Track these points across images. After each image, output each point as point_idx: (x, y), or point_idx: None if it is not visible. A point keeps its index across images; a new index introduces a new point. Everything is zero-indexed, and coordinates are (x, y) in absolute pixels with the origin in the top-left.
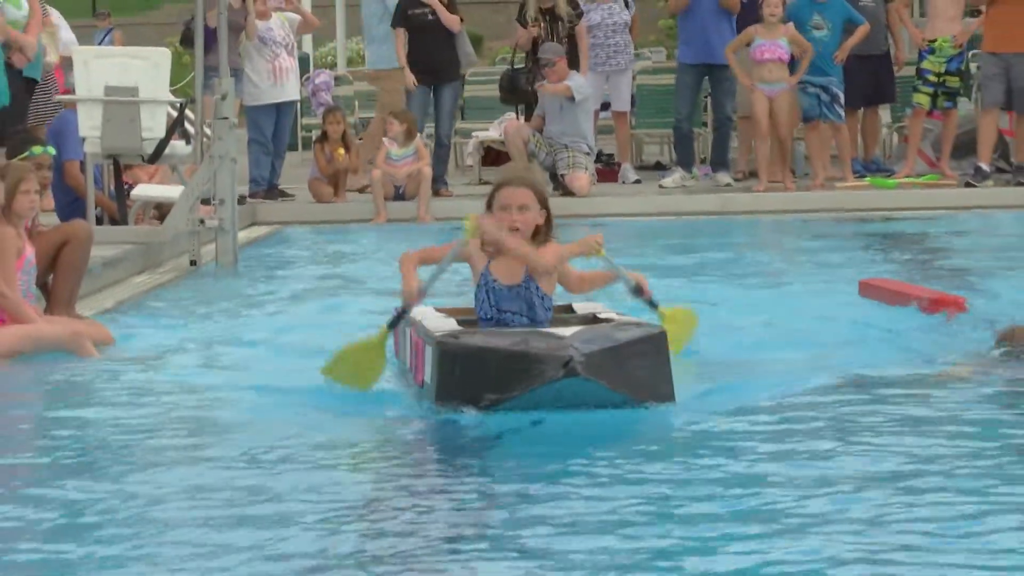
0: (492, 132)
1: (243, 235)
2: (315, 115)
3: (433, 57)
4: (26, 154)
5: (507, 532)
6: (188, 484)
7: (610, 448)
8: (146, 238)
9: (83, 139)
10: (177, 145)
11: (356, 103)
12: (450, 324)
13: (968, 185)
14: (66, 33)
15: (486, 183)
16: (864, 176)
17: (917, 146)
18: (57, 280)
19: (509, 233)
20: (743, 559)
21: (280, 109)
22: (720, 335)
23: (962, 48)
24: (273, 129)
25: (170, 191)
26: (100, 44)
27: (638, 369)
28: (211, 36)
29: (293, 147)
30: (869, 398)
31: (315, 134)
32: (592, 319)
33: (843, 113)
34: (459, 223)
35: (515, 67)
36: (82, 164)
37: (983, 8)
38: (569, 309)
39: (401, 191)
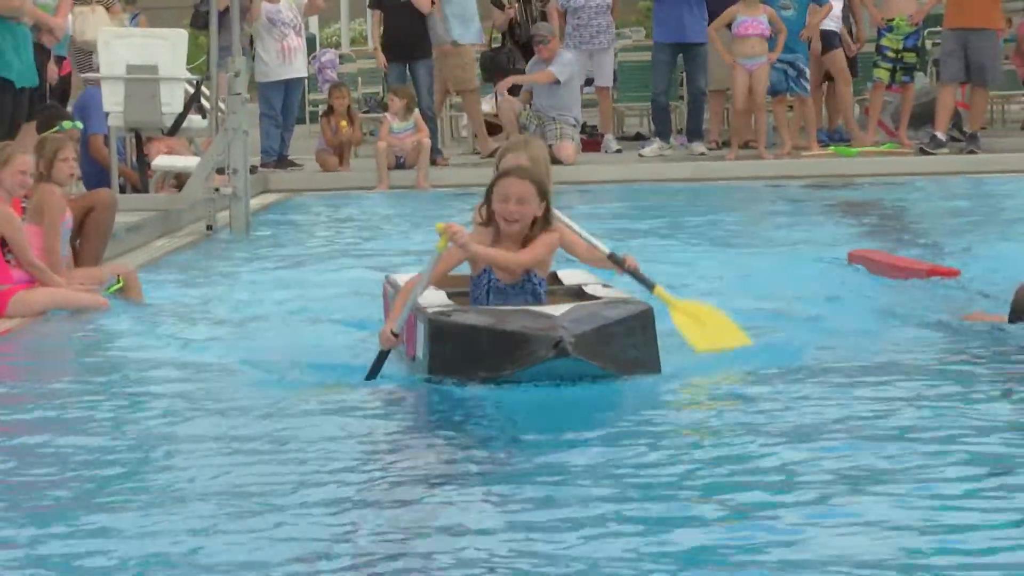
0: (485, 106)
1: (255, 202)
2: (321, 91)
3: (407, 36)
4: (56, 128)
5: (501, 504)
6: (164, 452)
7: (599, 421)
8: (166, 205)
9: (107, 114)
10: (194, 119)
11: (359, 79)
12: (441, 298)
13: (924, 153)
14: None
15: (477, 152)
16: (828, 145)
17: (877, 117)
18: (84, 244)
19: (474, 234)
20: (730, 533)
21: (289, 85)
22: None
23: (918, 26)
24: (282, 104)
25: (187, 162)
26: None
27: (626, 346)
28: (222, 17)
29: (301, 121)
30: (855, 367)
31: (321, 108)
32: (579, 292)
33: (808, 87)
34: (453, 189)
35: (493, 47)
36: (106, 137)
37: None
38: (555, 278)
39: (402, 161)
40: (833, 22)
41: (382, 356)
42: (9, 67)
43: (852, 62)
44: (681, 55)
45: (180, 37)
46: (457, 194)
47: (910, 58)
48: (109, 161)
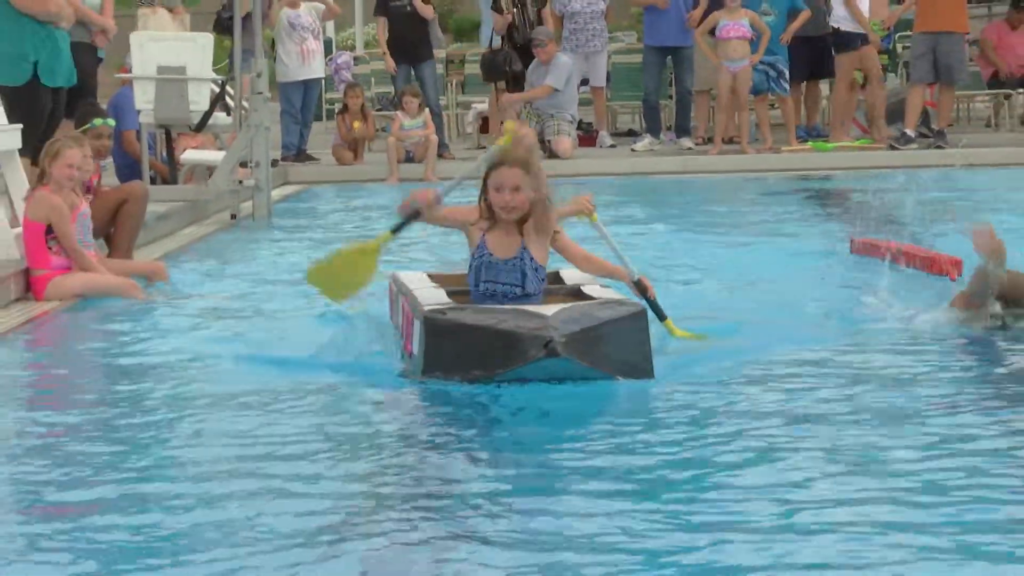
0: (486, 104)
1: (276, 193)
2: (337, 90)
3: (411, 41)
4: (88, 125)
5: (496, 507)
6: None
7: (593, 423)
8: (193, 196)
9: (139, 111)
10: (219, 116)
11: (372, 80)
12: (440, 296)
13: (894, 148)
14: None
15: (483, 148)
16: (806, 140)
17: (852, 115)
18: (118, 232)
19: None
20: (726, 537)
21: (307, 85)
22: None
23: (889, 31)
24: (301, 102)
25: (213, 156)
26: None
27: (618, 347)
28: (245, 22)
29: (318, 118)
30: (843, 363)
31: (337, 107)
32: (578, 292)
33: (788, 87)
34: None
35: (492, 49)
36: (138, 133)
37: None
38: (557, 277)
39: (411, 155)
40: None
41: (414, 216)
42: (46, 69)
43: (829, 63)
44: (670, 57)
45: (207, 40)
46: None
47: (882, 60)
48: (141, 155)
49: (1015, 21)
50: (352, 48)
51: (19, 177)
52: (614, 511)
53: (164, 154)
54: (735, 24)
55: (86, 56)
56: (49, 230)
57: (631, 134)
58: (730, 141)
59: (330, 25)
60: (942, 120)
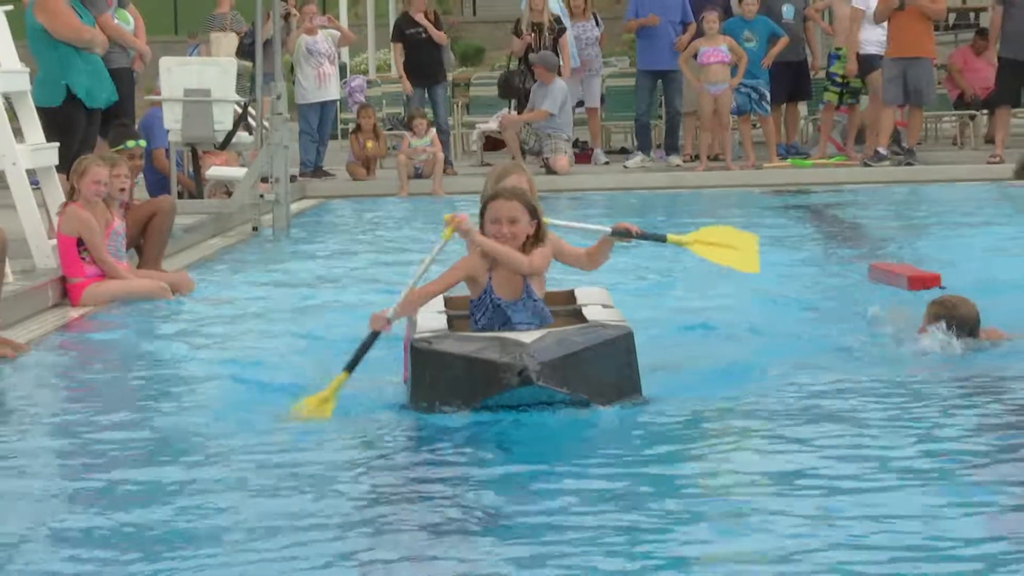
0: (491, 124)
1: (294, 206)
2: (351, 111)
3: (425, 65)
4: (120, 146)
5: (488, 532)
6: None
7: (581, 448)
8: (218, 209)
9: (167, 131)
10: (242, 135)
11: (384, 101)
12: (437, 324)
13: (867, 165)
14: None
15: (487, 164)
16: (786, 158)
17: (828, 134)
18: (147, 243)
19: (471, 257)
20: (718, 552)
21: (324, 106)
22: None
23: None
24: (318, 122)
25: (237, 172)
26: (190, 55)
27: (600, 372)
28: (266, 48)
29: (334, 137)
30: (830, 380)
31: (351, 126)
32: (577, 313)
33: (769, 108)
34: (461, 197)
35: (510, 69)
36: (167, 151)
37: (885, 24)
38: (571, 295)
39: (419, 171)
40: (874, 47)
41: (370, 340)
42: (86, 91)
43: (807, 86)
44: (660, 80)
45: (230, 64)
46: (466, 199)
47: (856, 83)
48: (169, 171)
49: (979, 47)
50: (365, 72)
51: (56, 192)
52: (606, 532)
53: (191, 170)
54: (714, 50)
55: (125, 80)
56: (80, 242)
57: (624, 152)
58: (715, 158)
59: (345, 51)
60: (911, 139)
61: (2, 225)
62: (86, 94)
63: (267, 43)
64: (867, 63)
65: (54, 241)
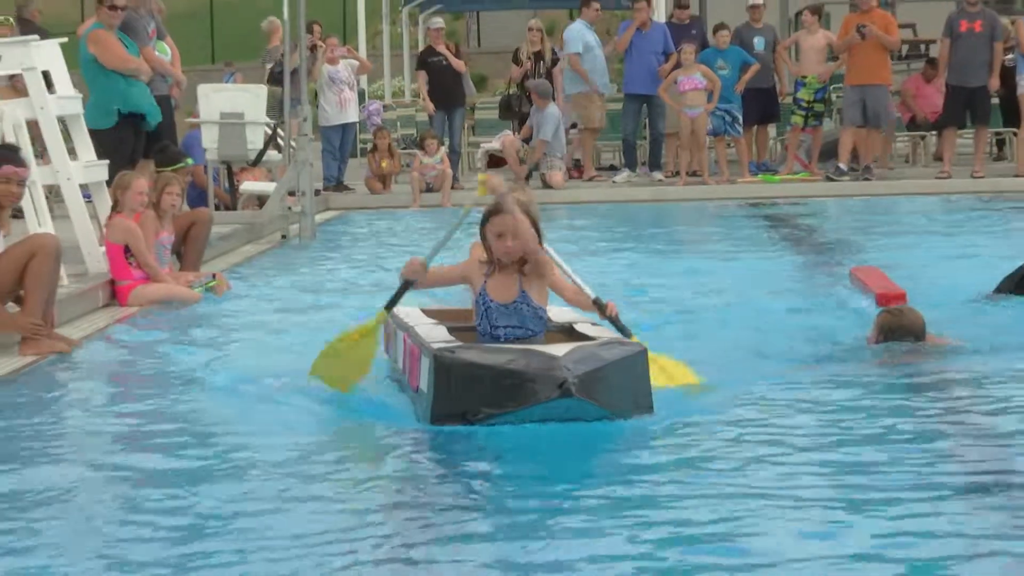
0: (494, 144)
1: (319, 217)
2: (369, 132)
3: (447, 91)
4: (182, 164)
5: (501, 543)
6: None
7: (598, 459)
8: (251, 219)
9: (205, 150)
10: (272, 154)
11: (398, 124)
12: (443, 333)
13: (830, 180)
14: None
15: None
16: (757, 174)
17: (794, 152)
18: (187, 249)
19: (474, 268)
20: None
21: (344, 128)
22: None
23: (825, 83)
24: (339, 142)
25: (267, 186)
26: (226, 82)
27: (622, 386)
28: (293, 76)
29: (353, 155)
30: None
31: (369, 146)
32: (570, 330)
33: (741, 129)
34: (460, 212)
35: (509, 94)
36: (205, 168)
37: (843, 54)
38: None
39: (431, 185)
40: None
41: (405, 286)
42: (140, 113)
43: (775, 110)
44: (644, 104)
45: (261, 91)
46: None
47: (819, 107)
48: (207, 186)
49: (929, 75)
50: (381, 97)
51: (106, 205)
52: (615, 542)
53: (226, 185)
54: (690, 78)
55: (165, 106)
56: (127, 248)
57: (612, 168)
58: (694, 174)
59: (363, 78)
60: (868, 157)
61: (58, 234)
62: (138, 116)
63: (294, 72)
64: None
65: (104, 247)
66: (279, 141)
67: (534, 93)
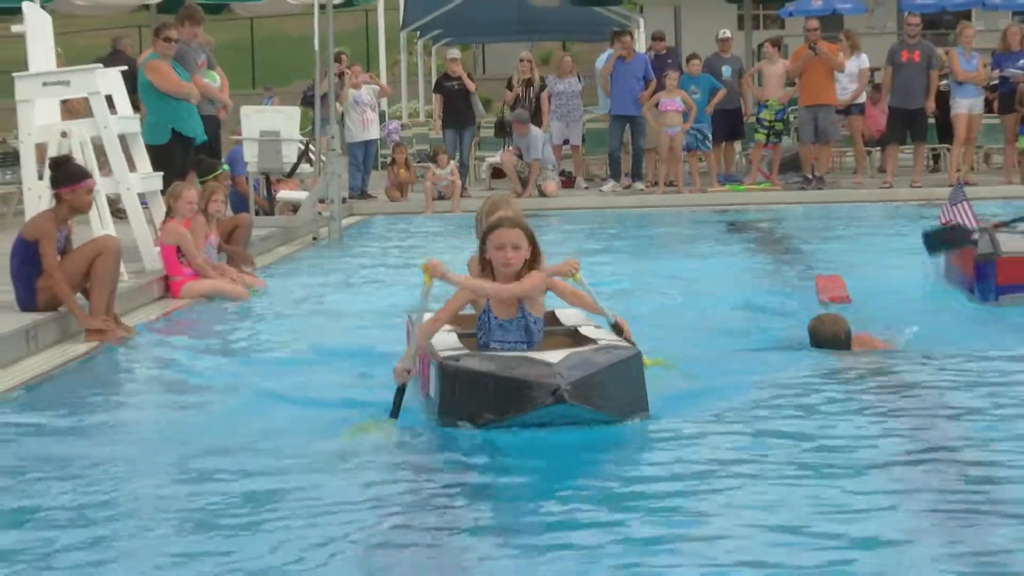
0: (496, 158)
1: (345, 221)
2: (389, 148)
3: (458, 112)
4: (219, 171)
5: (502, 543)
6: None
7: (597, 460)
8: (286, 224)
9: (247, 163)
10: (304, 167)
11: (413, 140)
12: (453, 341)
13: (788, 189)
14: None
15: (493, 188)
16: (725, 184)
17: (757, 165)
18: (231, 250)
19: (457, 275)
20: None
21: (367, 144)
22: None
23: (784, 105)
24: (363, 156)
25: (300, 195)
26: (265, 104)
27: (617, 390)
28: (323, 99)
29: (375, 167)
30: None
31: (388, 159)
32: (574, 334)
33: (711, 145)
34: (473, 214)
35: (503, 115)
36: (246, 178)
37: (797, 79)
38: (553, 318)
39: (442, 194)
40: (860, 93)
41: (400, 392)
42: (191, 129)
43: (741, 128)
44: (628, 124)
45: (295, 111)
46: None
47: (779, 126)
48: (248, 194)
49: (874, 99)
50: (399, 118)
51: (160, 211)
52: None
53: (265, 193)
54: (671, 101)
55: (212, 125)
56: (179, 249)
57: (599, 179)
58: (671, 184)
59: (383, 101)
60: (821, 169)
61: (119, 236)
62: (188, 134)
63: (324, 95)
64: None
65: (159, 248)
66: (311, 155)
67: (515, 123)
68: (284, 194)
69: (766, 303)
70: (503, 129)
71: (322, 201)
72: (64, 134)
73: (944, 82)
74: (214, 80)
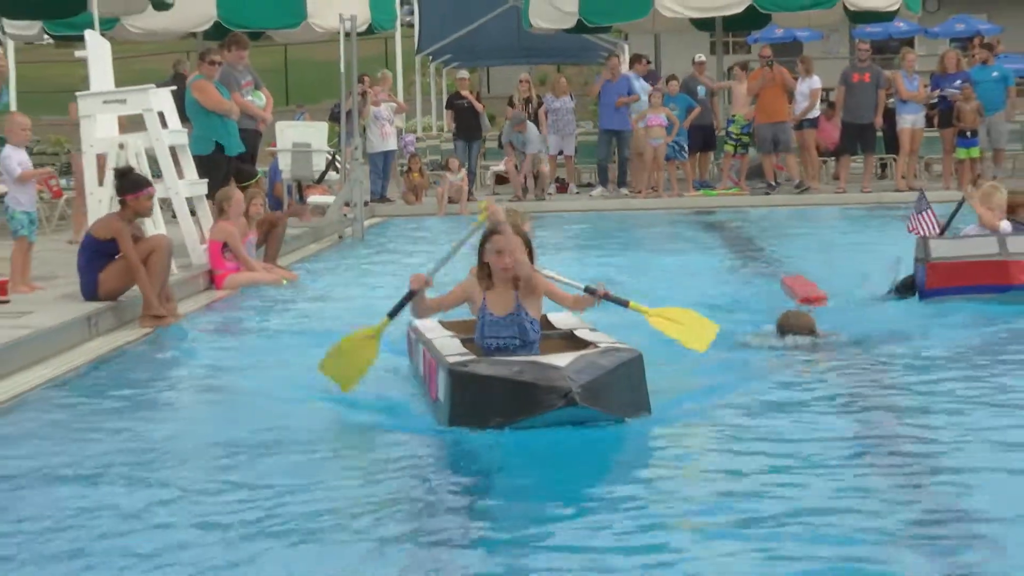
0: (500, 167)
1: (367, 222)
2: (405, 158)
3: (467, 126)
4: (256, 177)
5: (511, 545)
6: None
7: (602, 460)
8: (315, 224)
9: (282, 171)
10: (331, 174)
11: (427, 151)
12: (458, 346)
13: (754, 194)
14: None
15: (496, 194)
16: (699, 189)
17: (727, 173)
18: (268, 246)
19: (470, 284)
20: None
21: (386, 155)
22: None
23: (750, 120)
24: (382, 165)
25: (328, 199)
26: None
27: (622, 391)
28: (348, 115)
29: (393, 175)
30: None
31: (405, 168)
32: (571, 336)
33: (687, 156)
34: (475, 218)
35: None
36: (282, 184)
37: (754, 98)
38: (546, 321)
39: (452, 198)
40: (812, 110)
41: (409, 296)
42: (230, 143)
43: (713, 141)
44: (615, 137)
45: (323, 126)
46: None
47: (746, 139)
48: (283, 198)
49: (829, 115)
50: (415, 131)
51: (206, 213)
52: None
53: (298, 197)
54: (656, 116)
55: (252, 137)
56: (225, 245)
57: (589, 185)
58: (652, 190)
59: (401, 117)
60: (796, 175)
61: (169, 235)
62: (229, 146)
63: (348, 112)
64: (806, 124)
65: (204, 245)
66: (337, 164)
67: (514, 123)
68: (314, 198)
69: (734, 292)
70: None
71: (347, 204)
72: (121, 146)
73: (891, 100)
74: (260, 99)
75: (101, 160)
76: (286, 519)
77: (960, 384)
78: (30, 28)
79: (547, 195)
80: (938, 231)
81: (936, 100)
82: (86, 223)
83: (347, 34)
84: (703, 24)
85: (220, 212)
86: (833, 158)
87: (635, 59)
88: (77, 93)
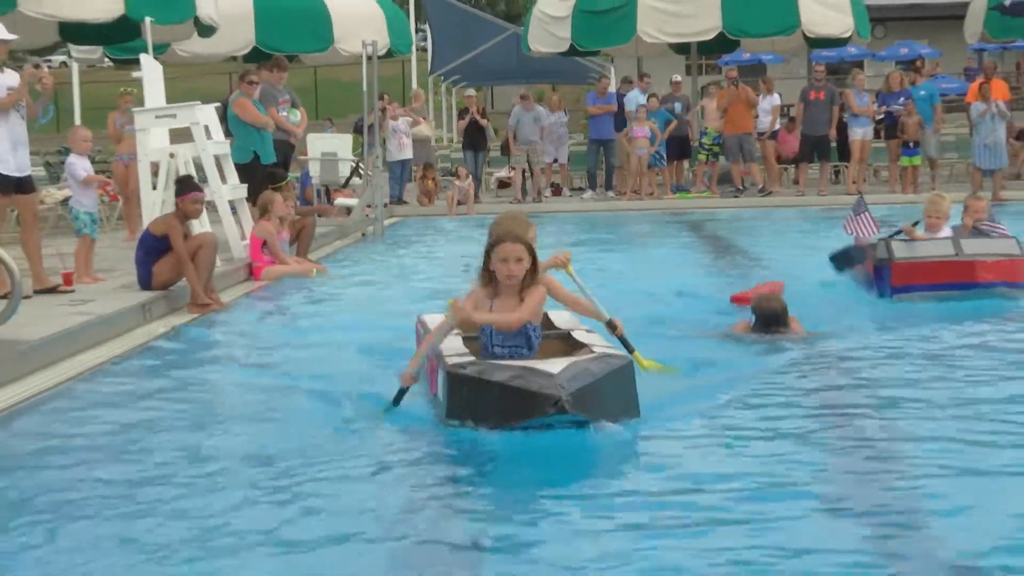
0: (502, 173)
1: (386, 222)
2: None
3: (474, 138)
4: (286, 180)
5: (501, 541)
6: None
7: (592, 460)
8: (341, 223)
9: (311, 177)
10: (355, 180)
11: (438, 159)
12: (459, 346)
13: (724, 197)
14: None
15: (499, 197)
16: (676, 193)
17: (701, 178)
18: (299, 243)
19: (476, 292)
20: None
21: (403, 163)
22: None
23: (720, 132)
24: (400, 171)
25: (352, 201)
26: (326, 132)
27: (612, 396)
28: (370, 128)
29: (409, 180)
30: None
31: (419, 174)
32: (568, 337)
33: (665, 163)
34: (484, 216)
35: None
36: (313, 189)
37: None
38: (547, 320)
39: (460, 201)
40: (773, 124)
41: (402, 392)
42: (265, 153)
43: (688, 150)
44: (602, 147)
45: (348, 138)
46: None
47: (717, 149)
48: (314, 200)
49: (790, 128)
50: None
51: (245, 214)
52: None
53: (326, 200)
54: (641, 129)
55: (285, 148)
56: (264, 242)
57: (580, 189)
58: (635, 193)
59: (430, 126)
60: (758, 181)
61: (214, 232)
62: (263, 156)
63: (371, 125)
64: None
65: (245, 242)
66: (360, 171)
67: (522, 100)
68: (340, 201)
69: (708, 282)
70: (506, 149)
71: (369, 206)
72: (172, 155)
73: (844, 115)
74: (296, 116)
75: (155, 168)
76: (281, 518)
77: (933, 383)
78: (93, 52)
79: (543, 198)
80: (876, 232)
81: (883, 115)
82: (137, 224)
83: (369, 57)
84: (680, 48)
85: (263, 213)
86: (793, 165)
87: (641, 77)
88: (134, 109)
